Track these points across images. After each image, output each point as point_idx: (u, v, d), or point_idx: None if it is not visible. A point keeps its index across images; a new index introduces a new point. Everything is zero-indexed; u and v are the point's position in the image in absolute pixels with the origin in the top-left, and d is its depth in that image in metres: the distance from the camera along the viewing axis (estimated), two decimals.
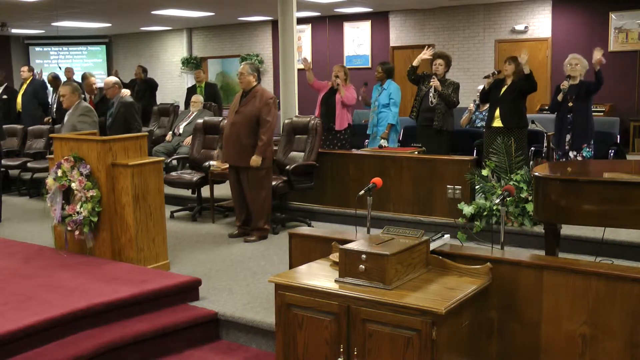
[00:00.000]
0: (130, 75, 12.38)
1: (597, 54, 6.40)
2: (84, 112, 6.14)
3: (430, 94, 7.22)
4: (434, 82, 7.15)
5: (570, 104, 6.45)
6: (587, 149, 6.51)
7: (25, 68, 11.04)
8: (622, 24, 11.45)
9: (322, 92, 7.73)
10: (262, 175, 5.97)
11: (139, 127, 7.07)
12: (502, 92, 6.78)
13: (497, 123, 6.76)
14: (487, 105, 7.40)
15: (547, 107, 11.44)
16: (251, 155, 5.87)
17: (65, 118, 6.32)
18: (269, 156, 5.98)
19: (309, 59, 8.25)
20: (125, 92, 7.52)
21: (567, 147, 6.55)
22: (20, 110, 10.76)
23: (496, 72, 6.96)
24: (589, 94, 6.51)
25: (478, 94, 8.17)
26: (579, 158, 6.50)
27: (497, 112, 6.77)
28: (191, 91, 11.26)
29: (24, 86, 10.79)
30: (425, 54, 7.41)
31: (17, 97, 10.83)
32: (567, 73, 6.54)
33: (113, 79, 7.53)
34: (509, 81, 6.78)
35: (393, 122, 7.66)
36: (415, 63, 7.40)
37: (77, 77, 11.86)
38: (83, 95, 7.23)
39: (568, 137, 6.54)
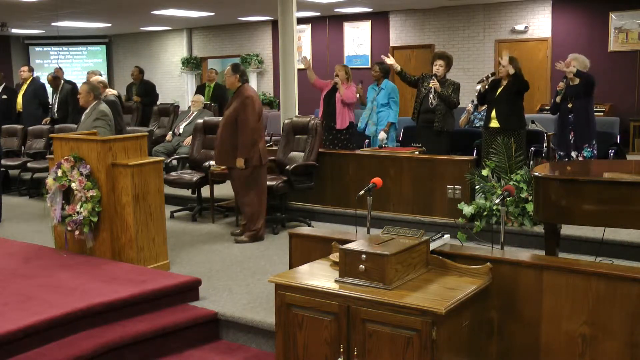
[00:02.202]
0: (129, 75, 12.31)
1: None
2: (99, 116, 6.00)
3: (430, 95, 7.21)
4: (434, 84, 7.14)
5: (570, 105, 6.44)
6: (589, 149, 6.50)
7: (25, 68, 11.01)
8: (622, 24, 11.44)
9: (324, 92, 7.72)
10: (247, 175, 5.88)
11: (120, 127, 7.09)
12: (497, 93, 6.78)
13: (494, 124, 6.75)
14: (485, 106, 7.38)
15: (547, 107, 11.45)
16: (233, 156, 5.83)
17: (82, 118, 6.24)
18: (254, 156, 5.84)
19: (309, 59, 8.22)
20: (110, 91, 7.55)
21: (569, 148, 6.53)
22: (21, 110, 10.75)
23: (490, 75, 6.92)
24: (587, 94, 6.50)
25: (477, 94, 8.16)
26: (580, 158, 6.49)
27: (494, 113, 6.77)
28: (200, 90, 11.24)
29: (24, 86, 10.78)
30: (390, 60, 7.46)
31: (18, 97, 10.82)
32: (565, 74, 6.54)
33: (99, 78, 7.56)
34: (504, 82, 6.78)
35: (394, 121, 7.67)
36: (397, 69, 7.42)
37: (75, 78, 11.80)
38: (102, 96, 7.14)
39: (570, 137, 6.52)
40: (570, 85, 6.46)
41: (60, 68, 11.73)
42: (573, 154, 6.52)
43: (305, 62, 7.90)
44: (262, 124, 6.04)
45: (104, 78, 9.38)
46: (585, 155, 6.49)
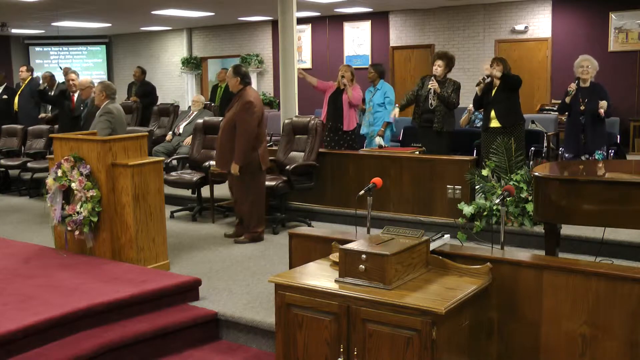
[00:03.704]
0: (129, 75, 12.33)
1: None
2: (102, 113, 6.00)
3: (430, 96, 7.20)
4: (433, 85, 7.12)
5: (582, 107, 6.36)
6: (599, 152, 6.44)
7: (24, 68, 11.00)
8: (622, 24, 11.44)
9: (328, 93, 7.69)
10: (247, 180, 5.82)
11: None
12: (493, 94, 6.78)
13: (495, 124, 6.75)
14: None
15: (547, 107, 11.44)
16: (232, 160, 5.77)
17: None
18: (253, 161, 5.79)
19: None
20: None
21: (579, 150, 6.45)
22: (17, 110, 10.74)
23: (486, 77, 6.91)
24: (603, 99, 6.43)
25: (473, 98, 8.14)
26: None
27: (493, 113, 6.76)
28: (213, 90, 11.28)
29: (22, 86, 10.77)
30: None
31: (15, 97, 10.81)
32: (577, 75, 6.46)
33: (89, 79, 7.57)
34: (497, 82, 6.78)
35: (390, 120, 7.66)
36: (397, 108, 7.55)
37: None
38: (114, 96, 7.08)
39: (582, 137, 6.42)
40: (582, 87, 6.38)
41: (62, 68, 11.74)
42: (583, 157, 6.43)
43: (300, 74, 7.88)
44: (263, 128, 5.94)
45: (92, 78, 9.29)
46: (597, 157, 6.41)
